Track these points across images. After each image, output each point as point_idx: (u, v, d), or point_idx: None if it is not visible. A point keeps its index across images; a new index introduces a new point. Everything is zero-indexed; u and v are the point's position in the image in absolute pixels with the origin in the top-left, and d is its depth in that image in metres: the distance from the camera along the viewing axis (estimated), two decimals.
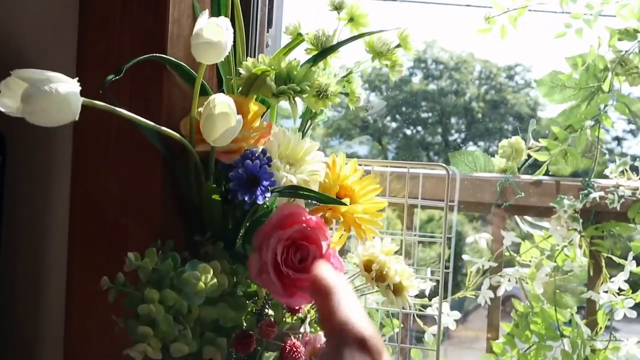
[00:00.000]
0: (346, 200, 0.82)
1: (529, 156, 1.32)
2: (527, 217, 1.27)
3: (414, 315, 1.19)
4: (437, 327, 0.91)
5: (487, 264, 1.21)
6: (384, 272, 0.84)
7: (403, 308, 0.97)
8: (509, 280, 1.22)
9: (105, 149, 0.87)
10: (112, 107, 0.73)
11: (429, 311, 1.23)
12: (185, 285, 0.70)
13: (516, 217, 1.27)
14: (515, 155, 1.29)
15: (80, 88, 0.69)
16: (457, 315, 1.22)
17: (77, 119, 0.68)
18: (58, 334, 0.91)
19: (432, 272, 1.16)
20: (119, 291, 0.73)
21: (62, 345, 0.90)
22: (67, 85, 0.67)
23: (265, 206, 0.94)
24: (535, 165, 1.31)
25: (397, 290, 0.85)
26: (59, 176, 0.93)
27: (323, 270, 0.52)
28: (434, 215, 1.56)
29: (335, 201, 0.81)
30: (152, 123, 0.77)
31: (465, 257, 1.22)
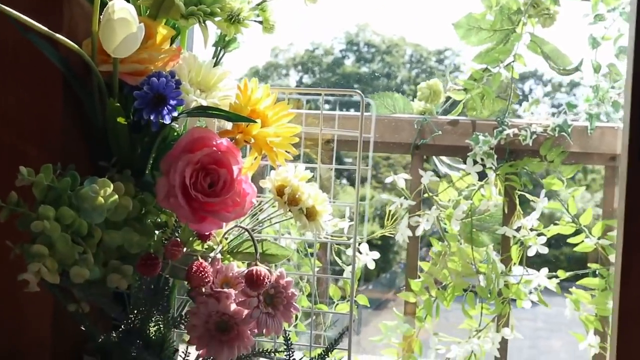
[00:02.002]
0: (257, 122, 0.80)
1: (447, 100, 1.33)
2: (444, 159, 1.28)
3: (332, 252, 1.18)
4: (352, 256, 0.90)
5: (406, 203, 1.21)
6: (297, 196, 0.82)
7: (318, 237, 0.95)
8: (427, 220, 1.23)
9: (1, 67, 0.82)
10: (4, 7, 0.67)
11: (348, 252, 1.23)
12: (83, 201, 0.67)
13: (434, 157, 1.27)
14: (434, 97, 1.30)
15: None
16: (375, 255, 1.22)
17: None
18: None
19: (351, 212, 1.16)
20: (12, 211, 0.69)
21: None
22: None
23: (175, 133, 0.91)
24: (454, 110, 1.32)
25: (310, 214, 0.83)
26: None
27: None
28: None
29: (244, 119, 0.78)
30: (48, 30, 0.72)
31: (383, 196, 1.22)
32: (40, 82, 0.83)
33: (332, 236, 1.09)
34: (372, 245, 1.20)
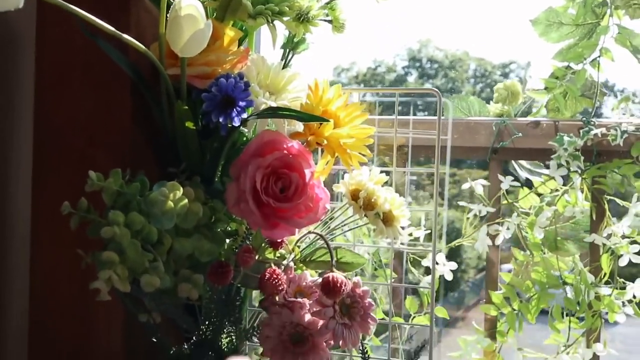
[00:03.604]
0: (330, 121, 0.76)
1: (525, 102, 1.26)
2: (524, 163, 1.21)
3: (408, 262, 1.13)
4: (432, 262, 0.85)
5: (485, 210, 1.14)
6: (373, 200, 0.77)
7: (395, 244, 0.90)
8: (508, 229, 1.16)
9: (71, 74, 0.81)
10: (72, 6, 0.66)
11: (424, 263, 1.17)
12: (152, 206, 0.64)
13: (513, 162, 1.20)
14: (512, 99, 1.23)
15: None
16: (453, 265, 1.16)
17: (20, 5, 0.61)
18: (24, 273, 0.85)
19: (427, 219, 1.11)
20: (82, 217, 0.67)
21: (27, 288, 0.85)
22: None
23: (244, 138, 0.88)
24: (534, 112, 1.25)
25: (387, 220, 0.78)
26: (20, 107, 0.87)
27: None
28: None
29: (316, 118, 0.75)
30: (116, 31, 0.70)
31: (461, 203, 1.16)
32: (109, 87, 0.81)
33: (407, 244, 1.03)
34: None
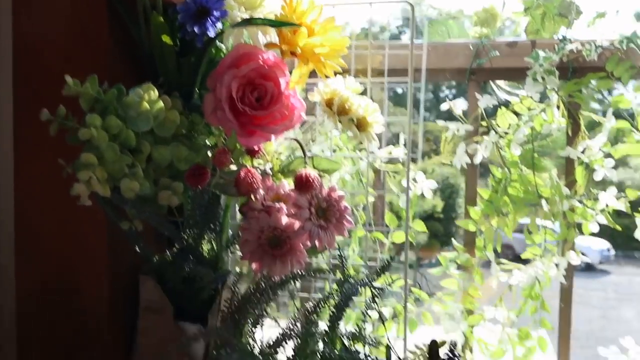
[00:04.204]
0: (302, 30, 0.77)
1: (504, 25, 1.27)
2: (503, 84, 1.22)
3: (385, 178, 1.15)
4: (406, 172, 0.87)
5: (463, 128, 1.17)
6: (347, 106, 0.79)
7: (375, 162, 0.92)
8: (486, 147, 1.18)
9: None
10: None
11: (403, 182, 1.19)
12: (128, 108, 0.66)
13: (492, 83, 1.22)
14: (491, 21, 1.24)
15: None
16: (432, 184, 1.19)
17: None
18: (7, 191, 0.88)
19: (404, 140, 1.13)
20: (61, 124, 0.69)
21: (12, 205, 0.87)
22: None
23: (221, 54, 0.89)
24: (511, 32, 1.26)
25: (361, 125, 0.80)
26: None
27: None
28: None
29: (287, 24, 0.76)
30: None
31: (439, 122, 1.18)
32: (85, 5, 0.82)
33: (386, 167, 1.06)
34: None
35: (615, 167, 1.12)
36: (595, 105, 1.16)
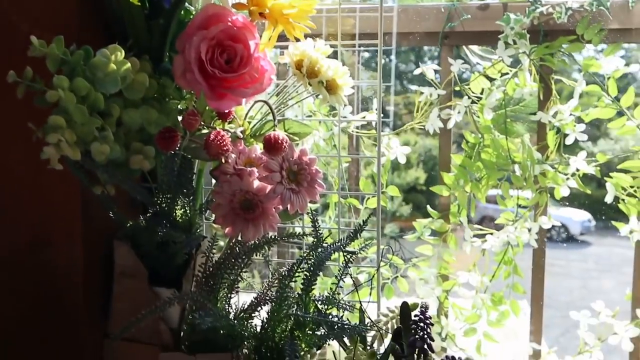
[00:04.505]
0: None
1: None
2: (475, 49, 1.22)
3: (358, 143, 1.16)
4: (377, 134, 0.88)
5: (435, 93, 1.17)
6: (316, 68, 0.79)
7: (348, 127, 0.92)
8: (459, 112, 1.19)
9: None
10: None
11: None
12: (96, 69, 0.65)
13: (465, 48, 1.22)
14: None
15: None
16: (406, 149, 1.19)
17: None
18: None
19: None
20: (28, 87, 0.68)
21: None
22: None
23: (190, 16, 0.88)
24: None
25: (331, 88, 0.80)
26: None
27: None
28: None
29: None
30: None
31: (411, 86, 1.18)
32: None
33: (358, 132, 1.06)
34: None
35: (596, 139, 1.13)
36: (567, 70, 1.17)
